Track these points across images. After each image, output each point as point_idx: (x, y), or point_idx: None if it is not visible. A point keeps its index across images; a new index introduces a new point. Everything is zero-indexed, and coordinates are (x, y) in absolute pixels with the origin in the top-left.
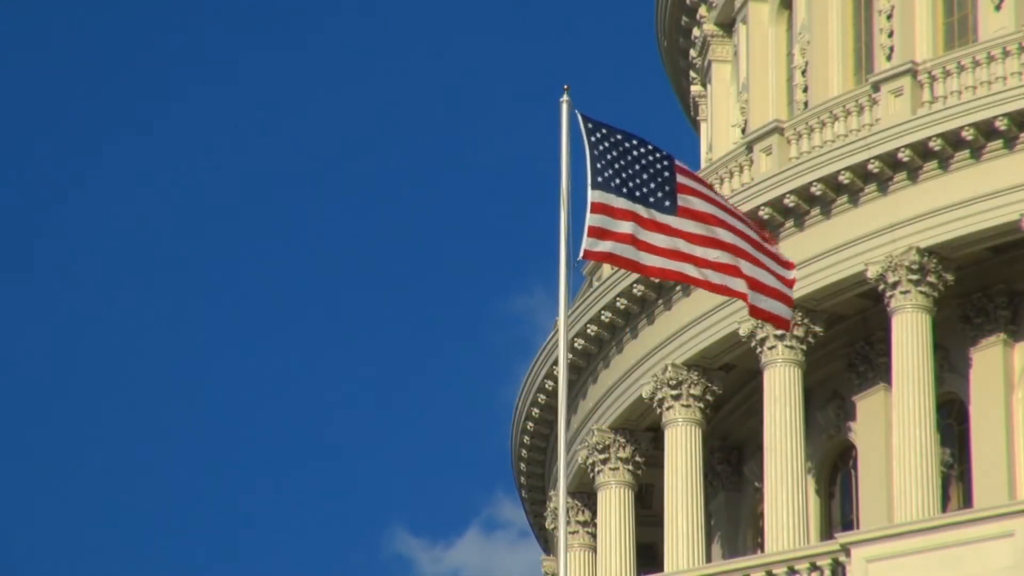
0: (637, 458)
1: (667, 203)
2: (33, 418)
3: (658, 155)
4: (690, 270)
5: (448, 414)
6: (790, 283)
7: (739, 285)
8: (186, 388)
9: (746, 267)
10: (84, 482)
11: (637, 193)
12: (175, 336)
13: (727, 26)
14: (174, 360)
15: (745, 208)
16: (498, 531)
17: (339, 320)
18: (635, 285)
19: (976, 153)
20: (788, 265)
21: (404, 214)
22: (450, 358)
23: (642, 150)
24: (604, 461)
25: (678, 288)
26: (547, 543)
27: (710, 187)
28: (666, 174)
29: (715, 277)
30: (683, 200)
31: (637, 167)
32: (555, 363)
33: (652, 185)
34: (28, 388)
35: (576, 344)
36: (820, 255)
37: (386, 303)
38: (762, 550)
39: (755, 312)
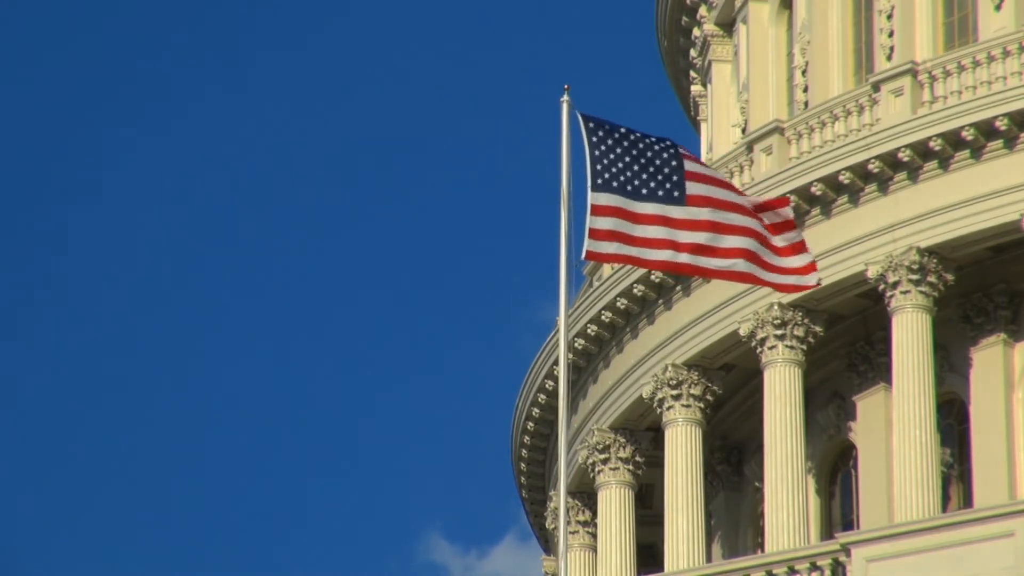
0: (637, 458)
1: (676, 193)
2: (63, 425)
3: (662, 146)
4: (702, 261)
5: (488, 421)
6: (803, 260)
7: (757, 270)
8: (213, 395)
9: (762, 250)
10: (112, 490)
11: (644, 191)
12: (200, 340)
13: (727, 26)
14: (200, 365)
15: None
16: (533, 539)
17: (365, 325)
18: (635, 285)
19: (976, 153)
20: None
21: (405, 216)
22: (486, 365)
23: (644, 143)
24: (604, 461)
25: (678, 288)
26: (547, 543)
27: (714, 174)
28: (673, 163)
29: (727, 264)
30: (692, 188)
31: (642, 161)
32: (555, 363)
33: (659, 178)
34: (52, 392)
35: (576, 344)
36: (820, 255)
37: (412, 308)
38: (762, 550)
39: (780, 288)
